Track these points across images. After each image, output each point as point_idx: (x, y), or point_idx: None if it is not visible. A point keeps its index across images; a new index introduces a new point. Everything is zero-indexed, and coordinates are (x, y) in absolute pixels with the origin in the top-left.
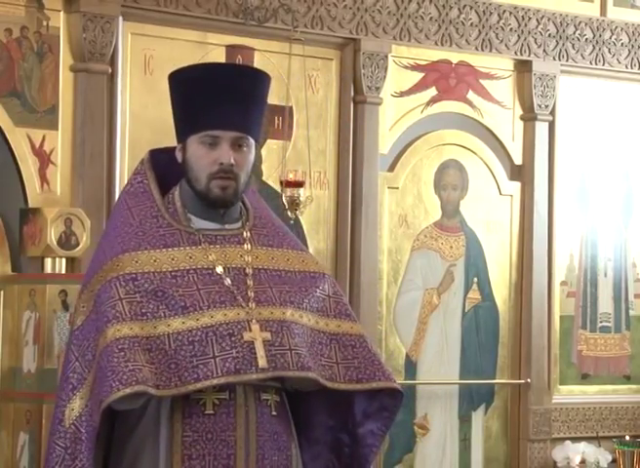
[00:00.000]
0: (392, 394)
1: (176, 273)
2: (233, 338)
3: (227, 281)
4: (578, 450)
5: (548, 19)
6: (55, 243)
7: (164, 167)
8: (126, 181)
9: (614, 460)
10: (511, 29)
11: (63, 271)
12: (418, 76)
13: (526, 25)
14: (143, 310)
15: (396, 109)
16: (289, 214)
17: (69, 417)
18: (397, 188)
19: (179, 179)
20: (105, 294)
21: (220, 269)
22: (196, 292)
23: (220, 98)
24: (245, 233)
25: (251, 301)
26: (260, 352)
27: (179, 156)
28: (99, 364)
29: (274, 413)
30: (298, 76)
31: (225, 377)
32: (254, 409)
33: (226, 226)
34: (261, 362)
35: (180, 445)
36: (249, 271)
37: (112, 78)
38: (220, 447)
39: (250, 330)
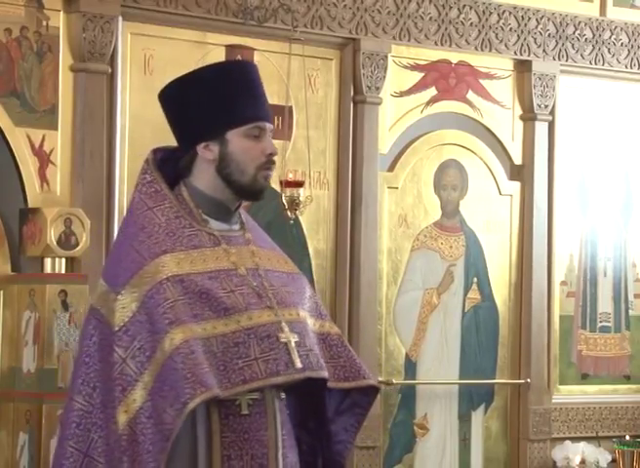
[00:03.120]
0: (365, 391)
1: (211, 274)
2: (270, 340)
3: (252, 282)
4: (577, 450)
5: (548, 19)
6: (54, 243)
7: (159, 166)
8: (127, 181)
9: (613, 460)
10: (511, 29)
11: (63, 271)
12: (417, 76)
13: (526, 25)
14: (194, 312)
15: (396, 109)
16: (289, 214)
17: (122, 421)
18: (397, 188)
19: (172, 178)
20: (159, 296)
21: (242, 270)
22: (231, 293)
23: (255, 92)
24: (246, 234)
25: (275, 302)
26: (295, 353)
27: (207, 154)
28: (169, 365)
29: (288, 412)
30: (297, 76)
31: (269, 379)
32: (278, 408)
33: (233, 227)
34: (297, 362)
35: (220, 445)
36: (261, 272)
37: (112, 78)
38: (257, 446)
39: (283, 331)
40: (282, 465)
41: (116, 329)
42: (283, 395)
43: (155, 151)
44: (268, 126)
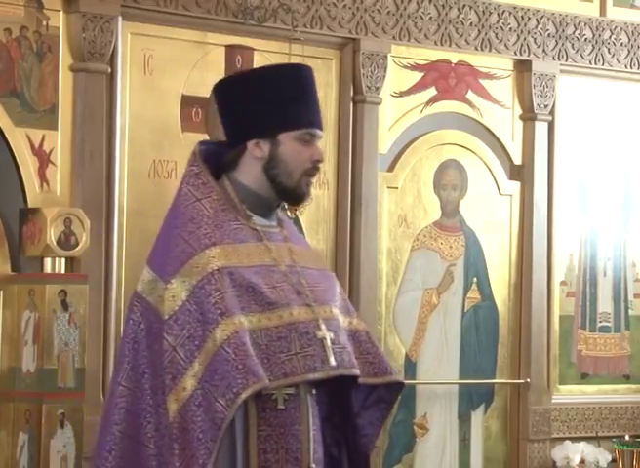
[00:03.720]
0: (390, 386)
1: (255, 269)
2: (309, 336)
3: (291, 279)
4: (577, 450)
5: (548, 19)
6: (54, 243)
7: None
8: (126, 180)
9: (613, 460)
10: (511, 29)
11: (63, 271)
12: (417, 76)
13: (525, 25)
14: (241, 304)
15: (396, 109)
16: (288, 213)
17: (173, 409)
18: (397, 188)
19: (215, 172)
20: (210, 287)
21: (282, 267)
22: (274, 288)
23: (311, 98)
24: (283, 231)
25: (312, 300)
26: (330, 350)
27: (256, 151)
28: (220, 355)
29: (317, 407)
30: None
31: (306, 374)
32: (310, 403)
33: (272, 223)
34: (332, 359)
35: (256, 439)
36: (298, 270)
37: (112, 78)
38: (291, 440)
39: (320, 329)
40: (312, 460)
41: (166, 317)
42: (314, 391)
43: (200, 143)
44: (319, 133)
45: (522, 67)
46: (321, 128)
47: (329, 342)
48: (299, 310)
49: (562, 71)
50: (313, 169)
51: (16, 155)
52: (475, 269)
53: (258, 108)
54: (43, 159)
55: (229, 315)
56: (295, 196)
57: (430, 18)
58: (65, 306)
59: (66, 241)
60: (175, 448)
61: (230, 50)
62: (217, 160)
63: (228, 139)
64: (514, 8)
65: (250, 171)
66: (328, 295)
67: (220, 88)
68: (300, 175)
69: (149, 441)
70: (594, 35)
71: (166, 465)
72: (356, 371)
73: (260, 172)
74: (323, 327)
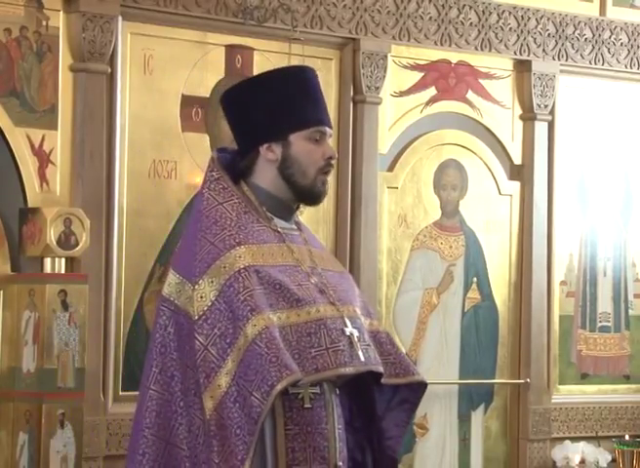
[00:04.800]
0: (413, 387)
1: (280, 268)
2: (337, 332)
3: (314, 278)
4: (577, 450)
5: (548, 19)
6: (54, 243)
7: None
8: (126, 181)
9: (613, 460)
10: (511, 29)
11: (63, 271)
12: (417, 76)
13: (525, 25)
14: (269, 302)
15: (396, 109)
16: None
17: (209, 407)
18: (397, 188)
19: (232, 179)
20: (238, 285)
21: (305, 267)
22: (299, 286)
23: (317, 97)
24: (302, 234)
25: (335, 299)
26: (357, 346)
27: (269, 154)
28: (253, 350)
29: (340, 407)
30: None
31: (338, 369)
32: (335, 402)
33: (292, 226)
34: (360, 355)
35: (284, 438)
36: (319, 270)
37: (112, 78)
38: (318, 439)
39: (346, 325)
40: (339, 458)
41: (196, 317)
42: (337, 390)
43: (218, 150)
44: (328, 130)
45: (522, 67)
46: (330, 126)
47: (356, 339)
48: (324, 307)
49: (562, 71)
50: (327, 166)
51: (16, 155)
52: (475, 269)
53: (266, 112)
54: (43, 159)
55: (259, 311)
56: (311, 195)
57: (430, 18)
58: (65, 306)
59: (66, 241)
60: (214, 445)
61: (230, 50)
62: (233, 167)
63: (240, 147)
64: (514, 8)
65: (266, 174)
66: (350, 296)
67: (225, 98)
68: (314, 173)
69: (181, 442)
70: (594, 35)
71: (199, 465)
72: (382, 369)
73: (276, 174)
74: (349, 323)
